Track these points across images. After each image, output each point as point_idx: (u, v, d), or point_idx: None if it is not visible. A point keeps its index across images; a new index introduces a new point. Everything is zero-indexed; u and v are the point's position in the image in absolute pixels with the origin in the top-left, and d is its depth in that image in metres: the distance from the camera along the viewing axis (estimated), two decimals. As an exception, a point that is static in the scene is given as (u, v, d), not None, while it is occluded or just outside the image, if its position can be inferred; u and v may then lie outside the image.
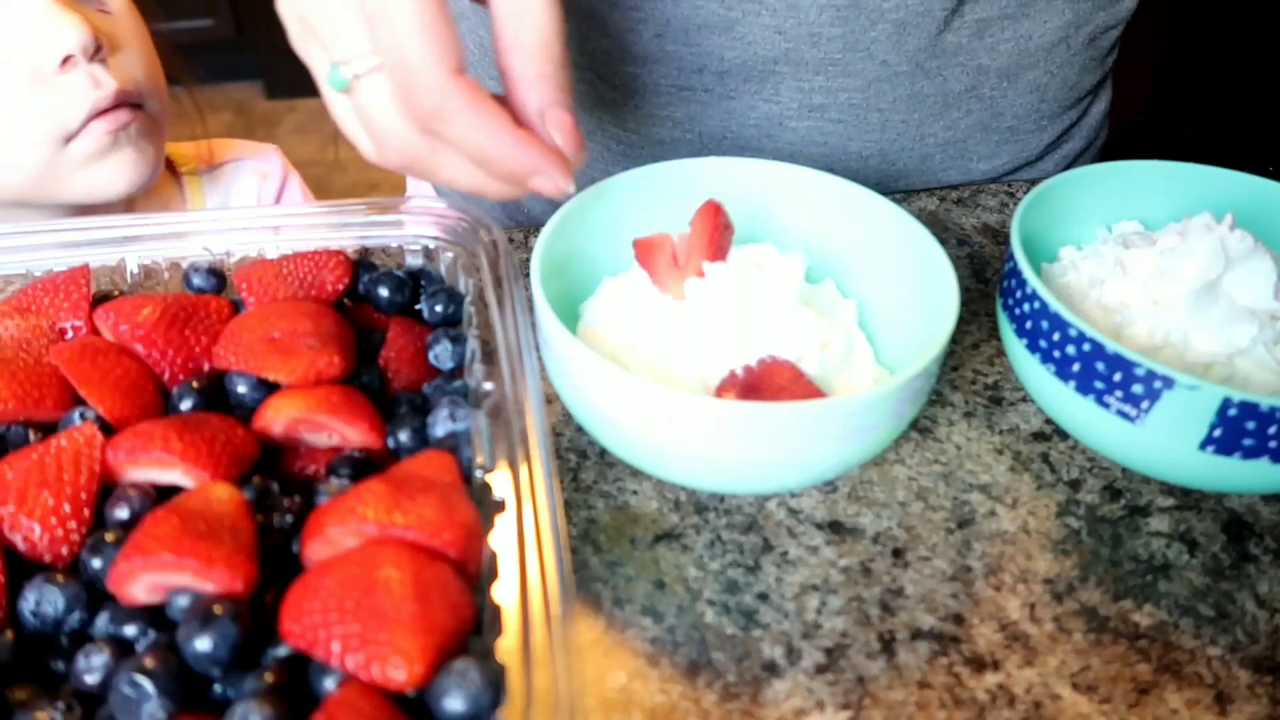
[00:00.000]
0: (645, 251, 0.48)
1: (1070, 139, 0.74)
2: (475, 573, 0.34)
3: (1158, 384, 0.42)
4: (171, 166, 0.85)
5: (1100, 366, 0.43)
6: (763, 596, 0.44)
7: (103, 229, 0.46)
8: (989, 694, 0.41)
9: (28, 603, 0.33)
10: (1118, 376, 0.43)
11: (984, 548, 0.47)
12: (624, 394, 0.41)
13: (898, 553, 0.46)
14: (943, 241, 0.63)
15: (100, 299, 0.43)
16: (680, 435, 0.40)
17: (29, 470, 0.35)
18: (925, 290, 0.47)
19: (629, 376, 0.40)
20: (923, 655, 0.42)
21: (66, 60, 0.66)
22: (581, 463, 0.49)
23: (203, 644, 0.31)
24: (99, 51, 0.68)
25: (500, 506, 0.35)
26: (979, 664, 0.42)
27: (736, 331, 0.45)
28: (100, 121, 0.69)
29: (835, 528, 0.47)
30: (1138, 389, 0.42)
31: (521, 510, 0.35)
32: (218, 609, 0.31)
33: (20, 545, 0.34)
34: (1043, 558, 0.46)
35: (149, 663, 0.31)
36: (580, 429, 0.50)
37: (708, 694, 0.40)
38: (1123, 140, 0.79)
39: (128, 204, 0.76)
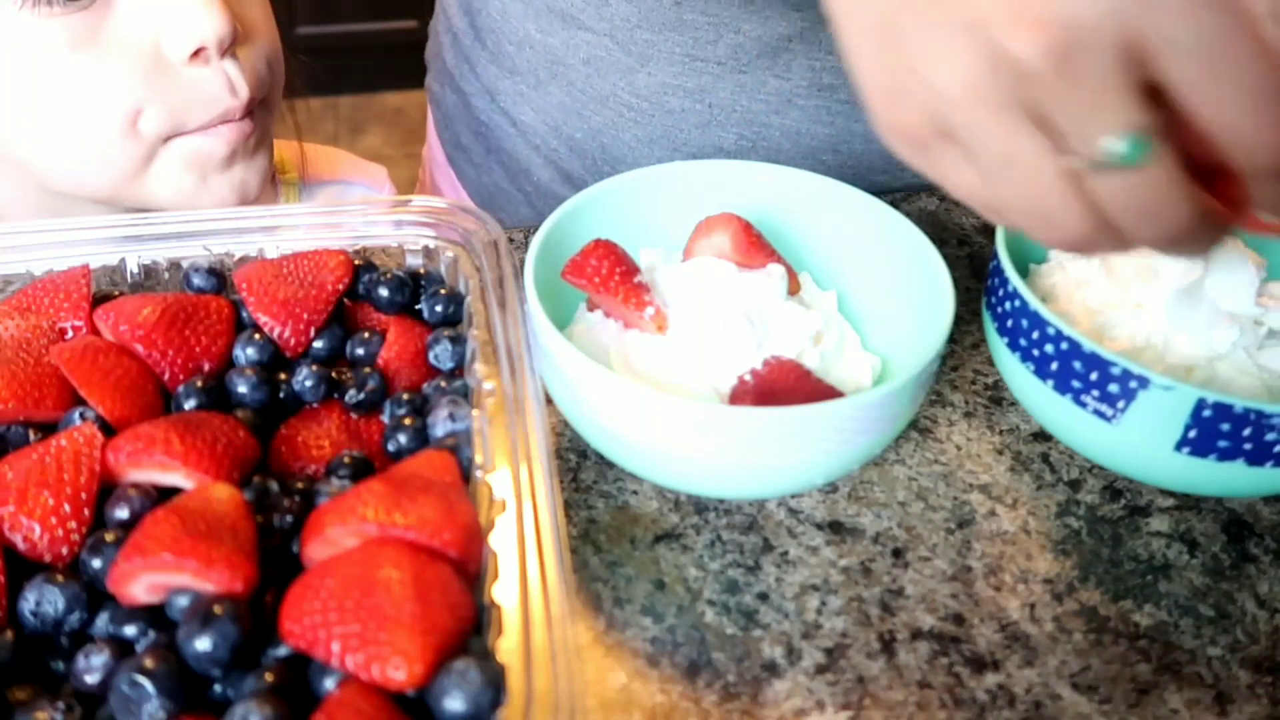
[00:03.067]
0: (593, 306, 0.48)
1: None
2: (475, 573, 0.34)
3: (1133, 384, 0.42)
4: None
5: (1077, 365, 0.44)
6: (763, 596, 0.44)
7: (103, 229, 0.46)
8: (989, 694, 0.41)
9: (28, 603, 0.33)
10: (1094, 376, 0.43)
11: (984, 548, 0.47)
12: (622, 401, 0.41)
13: (898, 553, 0.46)
14: (943, 241, 0.63)
15: (100, 299, 0.43)
16: (683, 442, 0.40)
17: (29, 470, 0.35)
18: (920, 288, 0.47)
19: (628, 384, 0.40)
20: (923, 655, 0.42)
21: (198, 53, 0.54)
22: (581, 463, 0.49)
23: (203, 644, 0.31)
24: (232, 44, 0.55)
25: (500, 506, 0.35)
26: (979, 664, 0.42)
27: (732, 337, 0.45)
28: (222, 129, 0.57)
29: (835, 528, 0.47)
30: (1114, 388, 0.43)
31: (521, 510, 0.35)
32: (217, 609, 0.31)
33: (20, 545, 0.34)
34: (1043, 558, 0.46)
35: (149, 663, 0.31)
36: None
37: (708, 694, 0.40)
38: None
39: None
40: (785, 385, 0.44)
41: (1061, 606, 0.44)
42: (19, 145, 0.56)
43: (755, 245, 0.48)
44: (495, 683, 0.30)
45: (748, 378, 0.45)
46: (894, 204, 0.51)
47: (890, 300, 0.50)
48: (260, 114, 0.59)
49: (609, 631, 0.42)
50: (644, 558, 0.45)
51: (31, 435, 0.39)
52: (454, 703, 0.29)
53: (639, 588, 0.44)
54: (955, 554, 0.46)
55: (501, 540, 0.34)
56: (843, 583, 0.45)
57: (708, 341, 0.45)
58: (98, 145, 0.56)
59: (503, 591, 0.32)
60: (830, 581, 0.45)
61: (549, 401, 0.47)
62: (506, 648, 0.30)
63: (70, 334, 0.42)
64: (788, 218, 0.53)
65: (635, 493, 0.48)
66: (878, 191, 0.52)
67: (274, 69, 0.61)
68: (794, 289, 0.49)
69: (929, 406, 0.53)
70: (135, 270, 0.46)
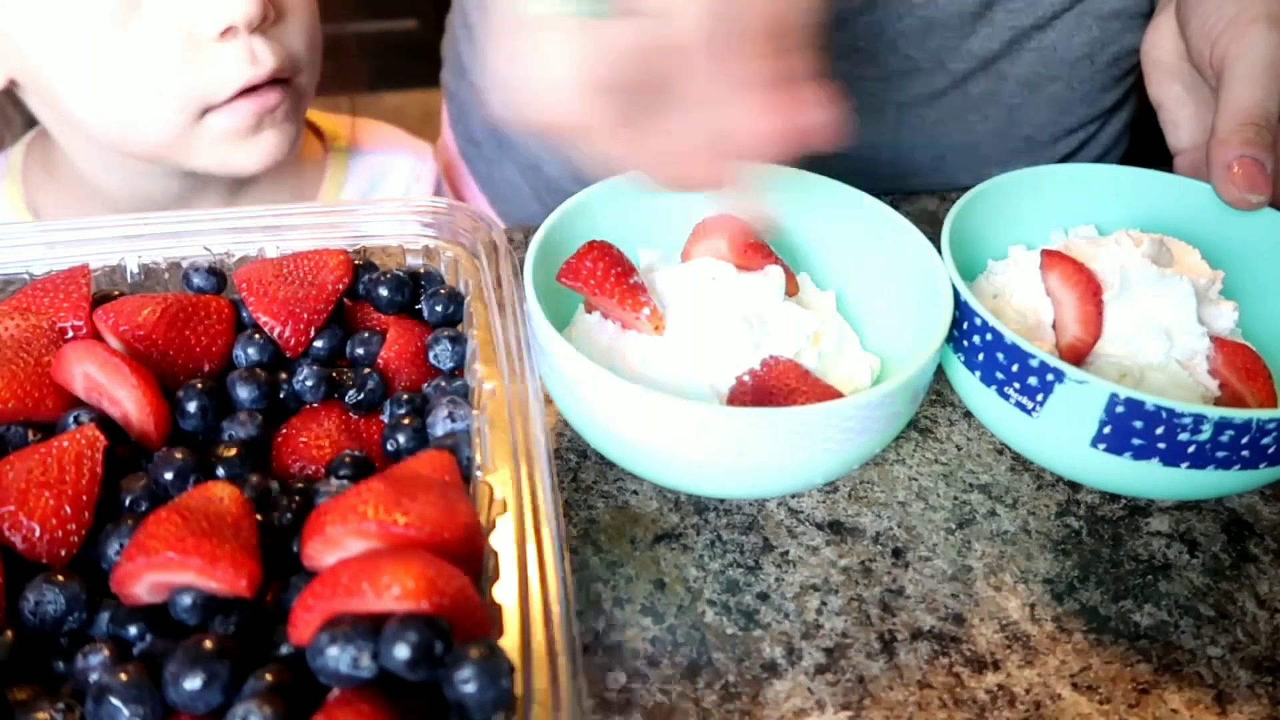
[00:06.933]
0: (590, 307, 0.48)
1: (1086, 150, 0.75)
2: (475, 573, 0.34)
3: (1050, 376, 0.42)
4: (320, 135, 0.79)
5: (1000, 356, 0.44)
6: (763, 596, 0.44)
7: (103, 229, 0.46)
8: (989, 694, 0.41)
9: (28, 603, 0.33)
10: (1015, 368, 0.43)
11: (984, 548, 0.47)
12: (621, 402, 0.40)
13: (898, 553, 0.46)
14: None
15: (100, 299, 0.43)
16: (683, 442, 0.40)
17: (30, 470, 0.35)
18: (919, 288, 0.47)
19: (627, 385, 0.40)
20: (923, 655, 0.42)
21: (228, 30, 0.59)
22: (581, 463, 0.49)
23: (191, 684, 0.30)
24: (263, 22, 0.61)
25: (500, 506, 0.35)
26: (979, 664, 0.42)
27: (730, 337, 0.45)
28: (247, 101, 0.62)
29: (835, 528, 0.47)
30: (1033, 381, 0.43)
31: (521, 510, 0.35)
32: (208, 645, 0.31)
33: (20, 545, 0.34)
34: (1043, 558, 0.46)
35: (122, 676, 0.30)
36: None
37: (708, 694, 0.40)
38: (1136, 135, 0.79)
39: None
40: (784, 385, 0.44)
41: (1061, 606, 0.44)
42: (75, 106, 0.63)
43: (753, 247, 0.48)
44: (509, 668, 0.29)
45: (746, 378, 0.45)
46: (893, 204, 0.51)
47: (889, 300, 0.50)
48: (291, 89, 0.65)
49: (609, 631, 0.42)
50: (644, 558, 0.45)
51: (30, 435, 0.39)
52: (469, 686, 0.29)
53: (639, 588, 0.44)
54: (955, 554, 0.46)
55: (501, 540, 0.34)
56: (843, 583, 0.45)
57: (706, 342, 0.45)
58: (137, 110, 0.62)
59: (503, 591, 0.32)
60: (830, 581, 0.45)
61: (549, 401, 0.47)
62: (506, 648, 0.30)
63: (70, 334, 0.42)
64: (787, 218, 0.53)
65: (635, 493, 0.48)
66: (877, 196, 0.52)
67: (309, 48, 0.66)
68: (792, 290, 0.49)
69: (929, 406, 0.53)
70: (135, 270, 0.46)
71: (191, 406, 0.40)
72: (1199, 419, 0.40)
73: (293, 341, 0.43)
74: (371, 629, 0.29)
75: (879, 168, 0.69)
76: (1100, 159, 0.76)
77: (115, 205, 0.71)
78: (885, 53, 0.64)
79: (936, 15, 0.62)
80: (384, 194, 0.79)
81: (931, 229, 0.49)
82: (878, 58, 0.64)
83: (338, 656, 0.29)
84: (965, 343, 0.46)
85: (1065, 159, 0.73)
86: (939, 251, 0.47)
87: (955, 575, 0.45)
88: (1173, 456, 0.42)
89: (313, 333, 0.44)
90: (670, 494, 0.48)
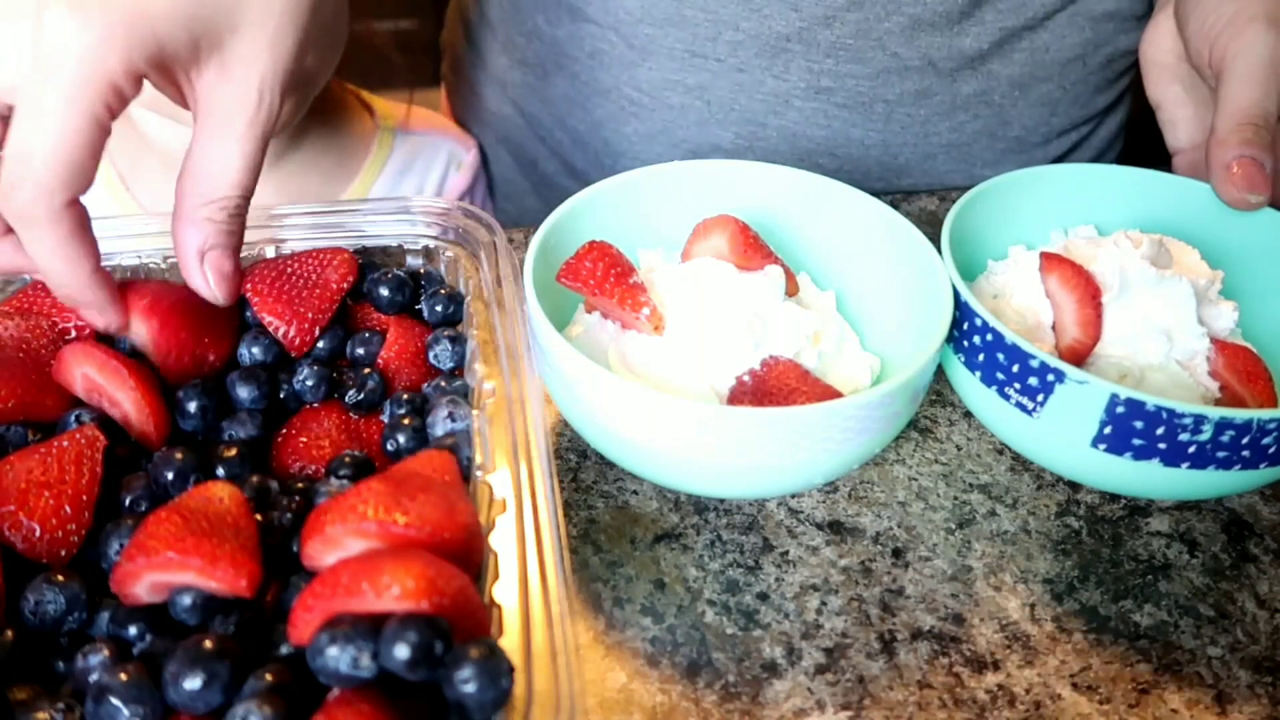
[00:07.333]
0: (590, 307, 0.48)
1: (1079, 151, 0.74)
2: (475, 573, 0.34)
3: (1050, 377, 0.42)
4: (371, 112, 0.81)
5: (1000, 357, 0.44)
6: (763, 596, 0.44)
7: (102, 228, 0.46)
8: (989, 694, 0.41)
9: (28, 603, 0.33)
10: (1016, 368, 0.43)
11: (984, 548, 0.47)
12: (621, 402, 0.40)
13: (898, 553, 0.46)
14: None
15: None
16: (683, 442, 0.40)
17: (30, 470, 0.35)
18: (919, 288, 0.47)
19: (626, 384, 0.40)
20: (923, 655, 0.42)
21: None
22: (581, 463, 0.49)
23: (191, 683, 0.30)
24: None
25: (500, 506, 0.35)
26: (979, 664, 0.42)
27: (730, 337, 0.45)
28: None
29: (835, 528, 0.47)
30: (1033, 381, 0.43)
31: (521, 510, 0.35)
32: (208, 645, 0.31)
33: (20, 545, 0.35)
34: (1043, 558, 0.46)
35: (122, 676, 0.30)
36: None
37: (708, 694, 0.40)
38: (1133, 135, 0.79)
39: (301, 134, 0.71)
40: (783, 385, 0.44)
41: (1061, 606, 0.44)
42: None
43: (753, 247, 0.48)
44: (509, 668, 0.29)
45: (746, 378, 0.45)
46: (893, 204, 0.51)
47: (889, 300, 0.50)
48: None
49: (609, 631, 0.42)
50: (644, 558, 0.45)
51: (30, 435, 0.39)
52: (469, 686, 0.29)
53: (639, 588, 0.44)
54: (955, 554, 0.46)
55: (501, 540, 0.34)
56: (843, 583, 0.45)
57: (706, 342, 0.45)
58: None
59: (503, 591, 0.32)
60: (830, 581, 0.45)
61: (549, 401, 0.47)
62: (506, 648, 0.30)
63: (71, 334, 0.42)
64: (787, 218, 0.53)
65: (635, 493, 0.48)
66: (875, 195, 0.52)
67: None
68: (792, 290, 0.49)
69: (929, 406, 0.53)
70: (135, 269, 0.46)
71: (191, 406, 0.40)
72: (1199, 419, 0.40)
73: (297, 341, 0.43)
74: (371, 629, 0.29)
75: (867, 165, 0.69)
76: (1094, 161, 0.76)
77: (175, 165, 0.71)
78: (872, 51, 0.64)
79: (923, 14, 0.62)
80: (418, 174, 0.80)
81: (931, 229, 0.49)
82: (864, 56, 0.64)
83: (338, 656, 0.29)
84: (965, 343, 0.46)
85: (1058, 160, 0.73)
86: (939, 251, 0.47)
87: (955, 575, 0.45)
88: (1173, 457, 0.42)
89: (317, 332, 0.44)
90: (670, 494, 0.48)
